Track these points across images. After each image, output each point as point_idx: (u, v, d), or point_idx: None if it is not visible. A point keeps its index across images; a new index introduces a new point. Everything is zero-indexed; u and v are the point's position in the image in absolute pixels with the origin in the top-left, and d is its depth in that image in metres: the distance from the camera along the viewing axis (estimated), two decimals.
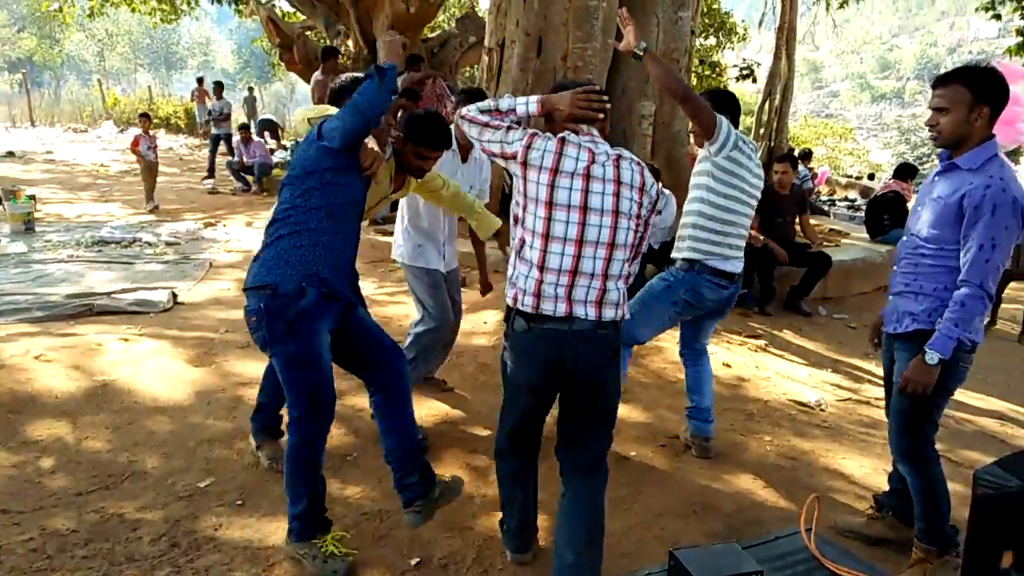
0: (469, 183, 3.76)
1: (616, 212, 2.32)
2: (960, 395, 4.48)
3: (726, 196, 3.23)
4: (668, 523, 3.06)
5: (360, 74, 2.97)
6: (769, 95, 10.09)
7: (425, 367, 4.00)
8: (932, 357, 2.49)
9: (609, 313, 2.35)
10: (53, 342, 4.36)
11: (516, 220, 2.41)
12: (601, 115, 2.41)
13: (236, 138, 12.23)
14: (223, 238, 8.31)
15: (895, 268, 2.79)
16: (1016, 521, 2.05)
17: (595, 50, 7.48)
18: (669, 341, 4.68)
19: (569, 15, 7.27)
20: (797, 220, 6.78)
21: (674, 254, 3.40)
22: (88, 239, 7.69)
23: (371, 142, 2.72)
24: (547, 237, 2.31)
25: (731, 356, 5.12)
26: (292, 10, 16.90)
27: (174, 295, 5.65)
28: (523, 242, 2.37)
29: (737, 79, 17.16)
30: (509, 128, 2.38)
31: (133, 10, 17.44)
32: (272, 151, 13.87)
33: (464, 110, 2.45)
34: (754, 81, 16.32)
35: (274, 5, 17.09)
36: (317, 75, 10.04)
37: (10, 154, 15.95)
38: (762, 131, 9.84)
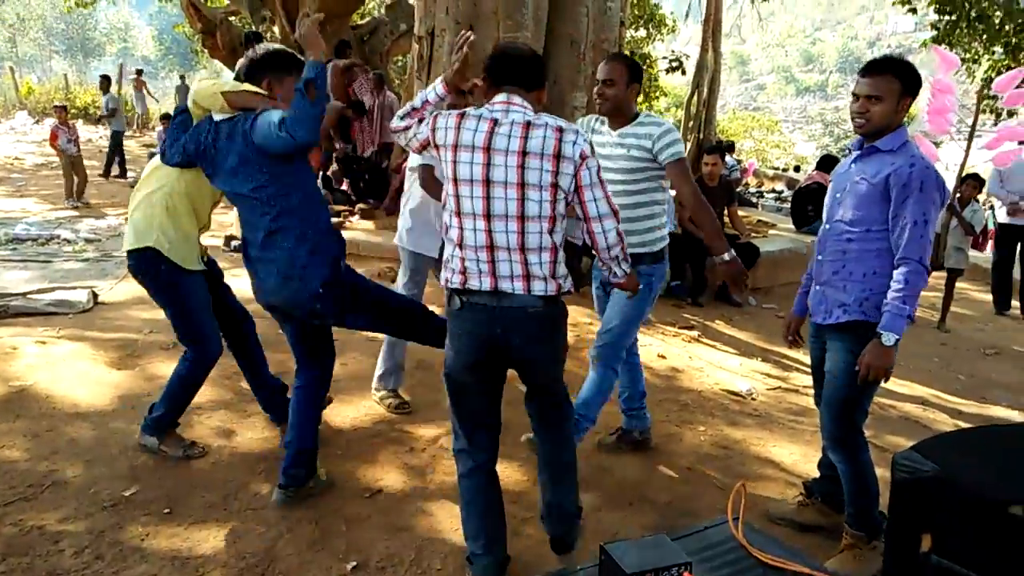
0: None
1: (521, 184, 2.23)
2: None
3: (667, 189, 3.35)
4: (605, 517, 3.09)
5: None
6: (697, 87, 10.28)
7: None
8: (888, 339, 2.51)
9: (538, 287, 2.31)
10: None
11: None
12: (466, 49, 2.42)
13: (159, 128, 11.86)
14: None
15: (818, 258, 2.82)
16: (933, 504, 2.14)
17: (526, 39, 7.46)
18: None
19: (499, 3, 7.23)
20: (725, 211, 6.93)
21: (646, 248, 3.25)
22: (2, 237, 7.31)
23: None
24: (460, 214, 2.30)
25: (665, 347, 5.21)
26: None
27: (94, 295, 5.42)
28: (446, 224, 2.38)
29: (667, 71, 17.38)
30: (421, 120, 2.39)
31: None
32: None
33: (392, 124, 2.45)
34: (683, 73, 16.56)
35: None
36: (242, 62, 9.77)
37: None
38: (691, 123, 10.01)
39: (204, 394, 3.90)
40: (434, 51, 7.83)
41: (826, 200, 2.86)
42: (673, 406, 4.27)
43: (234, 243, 7.39)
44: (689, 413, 4.20)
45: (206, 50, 15.39)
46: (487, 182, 2.25)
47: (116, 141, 12.27)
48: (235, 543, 2.75)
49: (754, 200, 12.30)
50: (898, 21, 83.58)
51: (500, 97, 2.32)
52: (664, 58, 17.42)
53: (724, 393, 4.55)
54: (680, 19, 18.14)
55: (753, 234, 7.61)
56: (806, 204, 8.30)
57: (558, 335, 2.48)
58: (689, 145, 9.49)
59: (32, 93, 24.19)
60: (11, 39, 46.72)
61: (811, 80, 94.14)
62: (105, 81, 13.43)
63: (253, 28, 13.31)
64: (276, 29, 14.27)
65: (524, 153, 2.23)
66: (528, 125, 2.24)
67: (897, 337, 2.52)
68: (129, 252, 3.10)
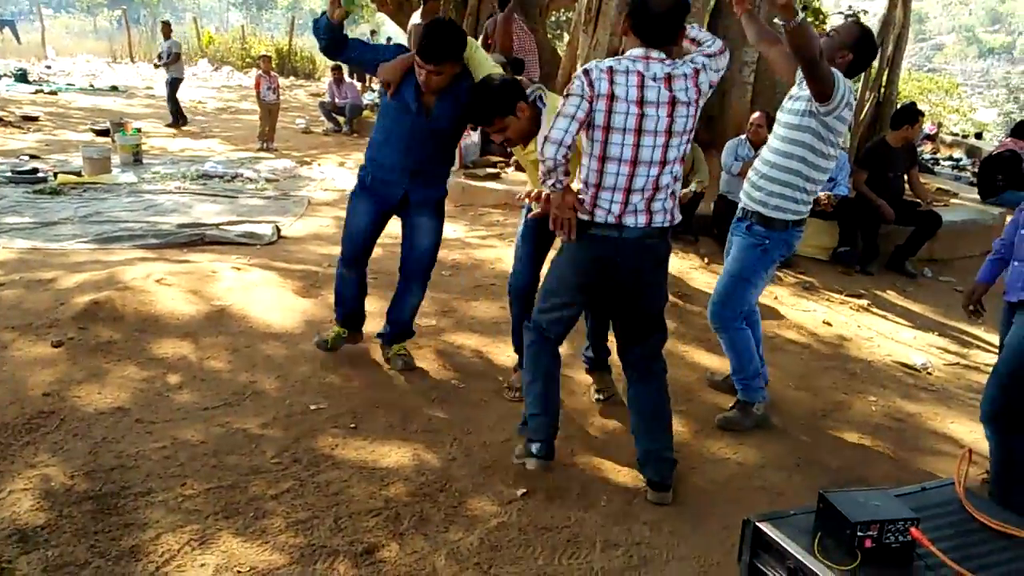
0: None
1: (669, 132, 2.49)
2: None
3: (826, 156, 3.07)
4: (770, 475, 3.06)
5: None
6: (880, 44, 9.53)
7: None
8: None
9: (658, 219, 2.58)
10: (171, 267, 4.58)
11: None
12: None
13: (328, 79, 12.37)
14: (318, 177, 8.51)
15: (1021, 232, 2.63)
16: None
17: None
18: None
19: None
20: (906, 176, 6.48)
21: (767, 212, 3.11)
22: (193, 172, 7.99)
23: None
24: (604, 159, 2.53)
25: (832, 315, 5.00)
26: None
27: (278, 229, 5.84)
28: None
29: None
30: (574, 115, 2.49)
31: None
32: (363, 92, 14.00)
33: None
34: None
35: None
36: (416, 19, 9.89)
37: (114, 88, 16.63)
38: (871, 82, 9.31)
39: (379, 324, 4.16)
40: (603, 4, 7.73)
41: None
42: (841, 374, 4.11)
43: None
44: (859, 383, 4.03)
45: (373, 3, 15.83)
46: (639, 131, 2.50)
47: (173, 89, 11.56)
48: (414, 460, 2.94)
49: (930, 166, 11.42)
50: None
51: (638, 51, 2.50)
52: (838, 12, 16.28)
53: (896, 365, 4.33)
54: None
55: (935, 202, 7.08)
56: (996, 173, 7.61)
57: (666, 267, 2.78)
58: (867, 106, 8.85)
59: (212, 43, 25.87)
60: None
61: (996, 41, 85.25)
62: (166, 27, 12.38)
63: None
64: None
65: (673, 103, 2.48)
66: (670, 77, 2.46)
67: None
68: None
